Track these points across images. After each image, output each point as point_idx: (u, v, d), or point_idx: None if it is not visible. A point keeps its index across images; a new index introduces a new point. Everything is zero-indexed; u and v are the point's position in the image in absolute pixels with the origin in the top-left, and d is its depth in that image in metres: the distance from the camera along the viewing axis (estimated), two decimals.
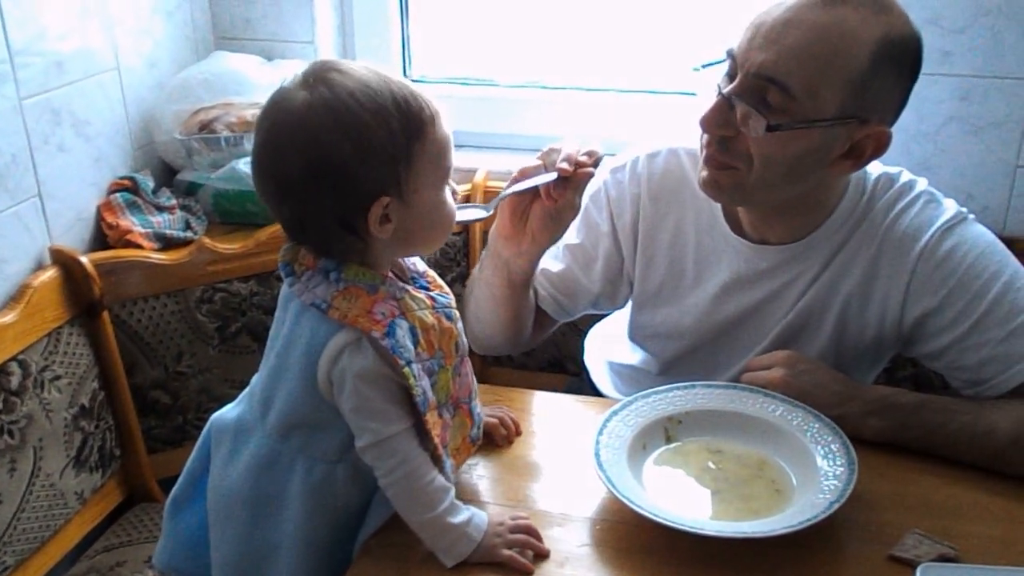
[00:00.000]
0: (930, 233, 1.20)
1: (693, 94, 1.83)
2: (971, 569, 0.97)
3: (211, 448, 1.09)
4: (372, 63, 1.00)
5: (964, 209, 1.24)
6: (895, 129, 1.16)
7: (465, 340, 1.07)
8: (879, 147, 1.15)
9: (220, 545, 1.07)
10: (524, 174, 1.18)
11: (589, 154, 1.17)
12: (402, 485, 0.98)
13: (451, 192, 1.02)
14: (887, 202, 1.23)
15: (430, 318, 1.00)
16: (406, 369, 0.95)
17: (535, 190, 1.17)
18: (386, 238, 0.97)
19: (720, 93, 1.13)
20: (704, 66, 1.18)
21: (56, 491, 1.47)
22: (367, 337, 0.95)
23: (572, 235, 1.37)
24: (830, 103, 1.09)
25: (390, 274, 1.02)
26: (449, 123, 1.01)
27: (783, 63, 1.08)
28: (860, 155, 1.15)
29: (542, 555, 1.00)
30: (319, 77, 0.95)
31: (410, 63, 2.04)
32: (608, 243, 1.35)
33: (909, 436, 1.15)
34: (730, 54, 1.14)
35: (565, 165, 1.14)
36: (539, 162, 1.18)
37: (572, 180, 1.16)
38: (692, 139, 1.31)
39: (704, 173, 1.18)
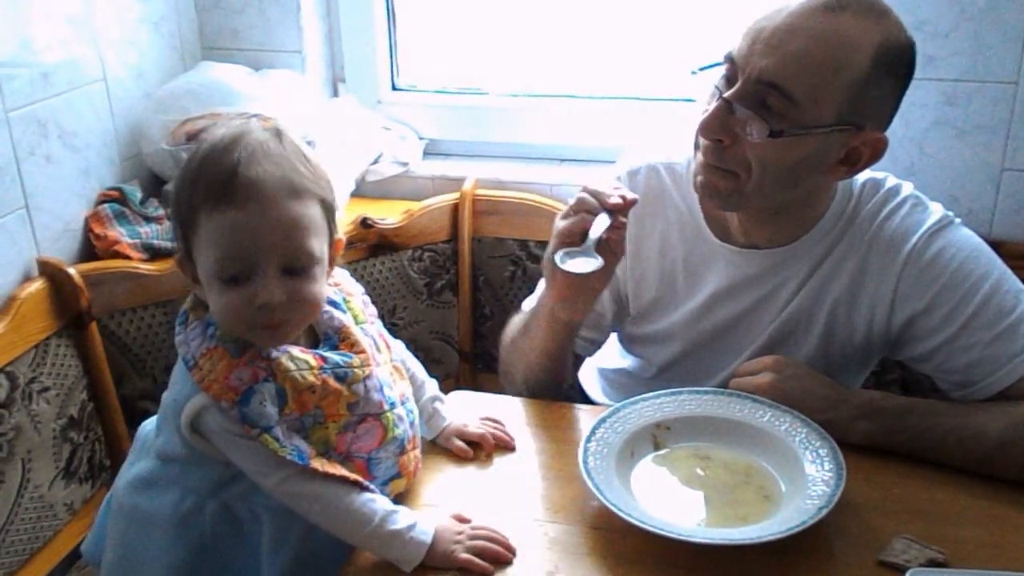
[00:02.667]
0: (917, 237, 1.21)
1: (686, 100, 1.84)
2: (960, 573, 0.97)
3: None
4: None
5: (950, 213, 1.24)
6: None
7: (374, 401, 1.04)
8: (875, 153, 1.16)
9: (108, 542, 1.10)
10: (569, 233, 1.13)
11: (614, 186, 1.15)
12: (323, 517, 0.99)
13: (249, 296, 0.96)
14: (874, 207, 1.24)
15: (310, 379, 0.99)
16: (264, 436, 0.95)
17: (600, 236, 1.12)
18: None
19: (720, 97, 1.13)
20: (702, 69, 1.18)
21: (45, 503, 1.46)
22: (215, 405, 0.96)
23: None
24: (830, 109, 1.10)
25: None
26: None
27: (785, 69, 1.09)
28: (856, 161, 1.16)
29: (504, 560, 1.00)
30: None
31: (397, 72, 2.04)
32: None
33: (897, 440, 1.15)
34: (729, 58, 1.14)
35: (618, 200, 1.12)
36: (572, 218, 1.14)
37: (624, 208, 1.14)
38: (669, 151, 1.32)
39: (700, 178, 1.18)
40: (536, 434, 1.23)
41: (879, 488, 1.10)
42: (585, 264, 1.10)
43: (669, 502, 1.08)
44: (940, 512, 1.07)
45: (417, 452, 1.11)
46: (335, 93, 2.03)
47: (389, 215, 1.80)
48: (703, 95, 1.18)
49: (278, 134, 1.00)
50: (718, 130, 1.13)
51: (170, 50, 1.87)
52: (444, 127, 2.01)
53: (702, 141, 1.16)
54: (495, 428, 1.20)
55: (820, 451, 1.09)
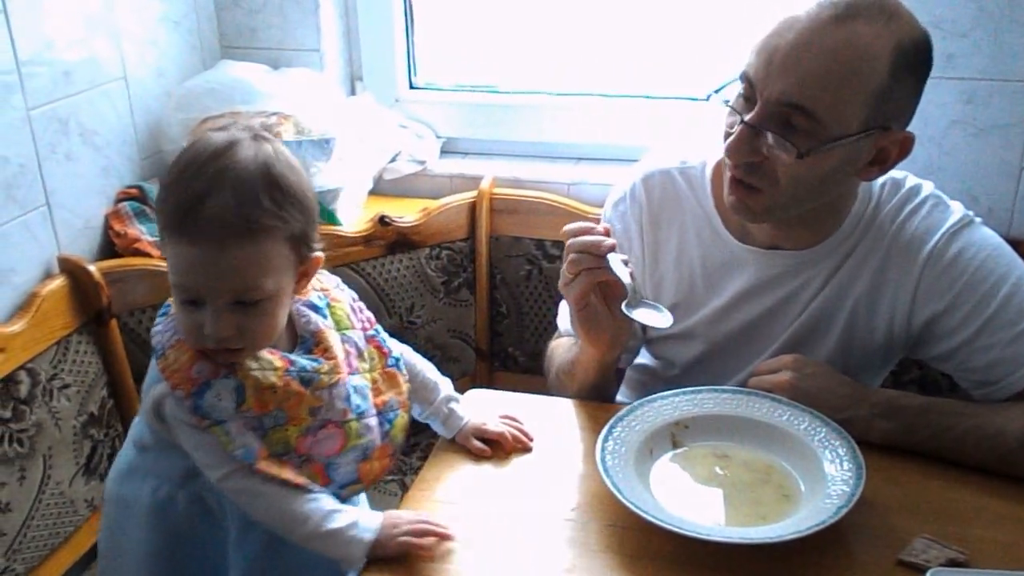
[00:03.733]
0: (937, 236, 1.21)
1: (704, 99, 1.83)
2: (980, 574, 0.96)
3: None
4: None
5: (971, 212, 1.24)
6: None
7: (338, 408, 1.05)
8: (904, 151, 1.15)
9: (101, 529, 1.15)
10: (584, 295, 1.14)
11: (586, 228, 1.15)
12: (265, 515, 1.01)
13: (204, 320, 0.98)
14: (894, 206, 1.24)
15: (272, 379, 1.00)
16: (215, 428, 0.98)
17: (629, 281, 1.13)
18: None
19: (742, 121, 1.11)
20: (716, 91, 1.17)
21: (66, 499, 1.48)
22: (172, 395, 0.98)
23: None
24: (855, 119, 1.09)
25: None
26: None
27: (805, 88, 1.07)
28: (885, 160, 1.15)
29: (443, 537, 1.02)
30: None
31: (415, 70, 2.05)
32: None
33: (917, 439, 1.15)
34: (744, 77, 1.12)
35: (610, 241, 1.13)
36: (576, 281, 1.14)
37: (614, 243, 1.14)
38: (683, 154, 1.32)
39: (731, 197, 1.18)
40: (554, 432, 1.23)
41: (899, 488, 1.10)
42: (657, 316, 1.14)
43: (688, 501, 1.08)
44: (960, 512, 1.07)
45: (385, 462, 1.11)
46: (353, 91, 2.04)
47: (407, 213, 1.81)
48: (720, 112, 1.17)
49: (257, 155, 0.97)
50: (746, 153, 1.12)
51: (190, 49, 1.88)
52: (461, 125, 2.01)
53: (729, 162, 1.16)
54: (514, 427, 1.20)
55: (839, 450, 1.09)
